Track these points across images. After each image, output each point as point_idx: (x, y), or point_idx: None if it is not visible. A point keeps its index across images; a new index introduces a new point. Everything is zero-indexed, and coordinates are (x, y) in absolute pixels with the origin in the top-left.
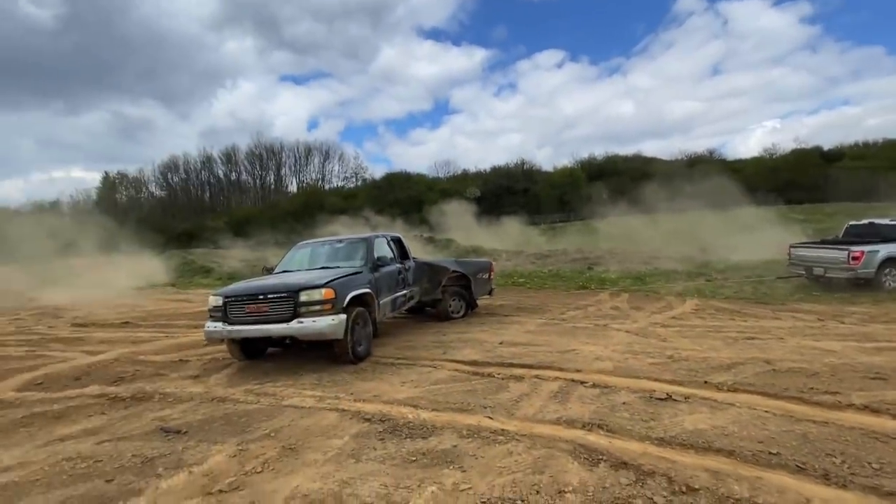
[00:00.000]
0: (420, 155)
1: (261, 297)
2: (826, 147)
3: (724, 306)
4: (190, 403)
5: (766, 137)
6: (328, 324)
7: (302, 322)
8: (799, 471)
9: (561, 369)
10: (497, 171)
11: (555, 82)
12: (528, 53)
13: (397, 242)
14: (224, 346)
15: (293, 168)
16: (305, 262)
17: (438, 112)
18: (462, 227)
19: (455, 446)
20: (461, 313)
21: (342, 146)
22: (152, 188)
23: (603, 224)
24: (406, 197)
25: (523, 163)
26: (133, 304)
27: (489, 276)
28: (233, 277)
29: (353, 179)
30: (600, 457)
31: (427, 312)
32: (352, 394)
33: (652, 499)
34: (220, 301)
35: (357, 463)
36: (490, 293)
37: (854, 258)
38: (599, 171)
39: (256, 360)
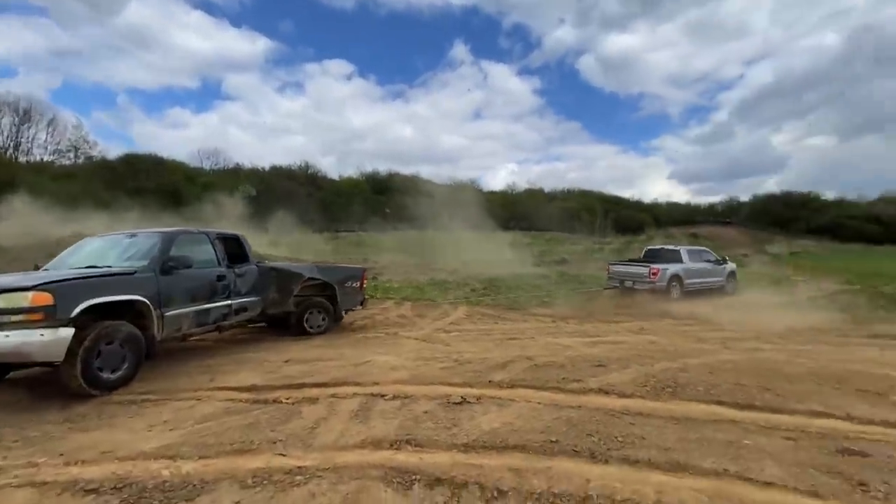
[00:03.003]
0: (179, 139)
1: None
2: (546, 189)
3: (487, 312)
4: None
5: (508, 177)
6: (33, 339)
7: None
8: (575, 454)
9: (358, 384)
10: (277, 171)
11: (343, 93)
12: (318, 57)
13: (232, 242)
14: None
15: None
16: (84, 260)
17: (207, 95)
18: (228, 229)
19: (238, 503)
20: (322, 328)
21: (55, 109)
22: None
23: (385, 236)
24: (155, 186)
25: (307, 166)
26: None
27: (360, 284)
28: None
29: (72, 155)
30: (414, 477)
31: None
32: (61, 454)
33: None
34: None
35: None
36: (362, 304)
37: (653, 273)
38: (382, 187)
39: None
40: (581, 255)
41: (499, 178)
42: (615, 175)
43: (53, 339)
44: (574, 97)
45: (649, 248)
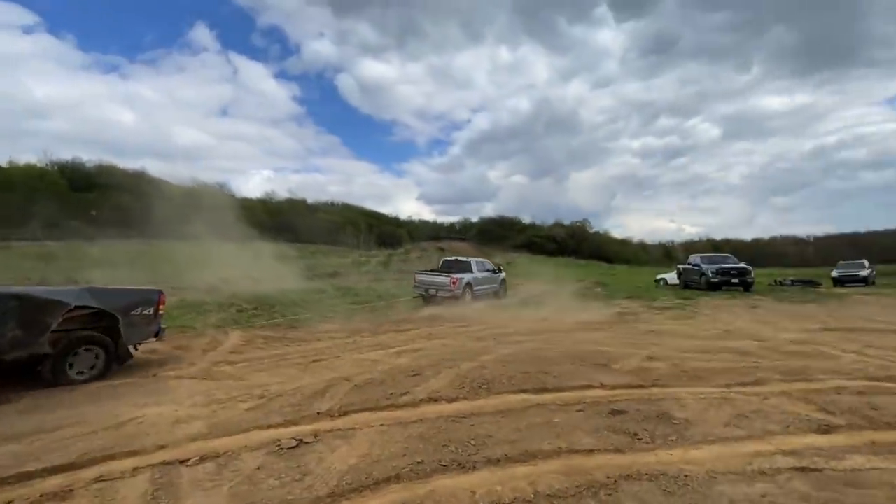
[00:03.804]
0: None
1: None
2: (308, 200)
3: (269, 334)
4: None
5: (263, 184)
6: None
7: None
8: (445, 469)
9: (134, 453)
10: None
11: (17, 49)
12: None
13: None
14: None
15: None
16: None
17: None
18: None
19: None
20: (92, 373)
21: None
22: None
23: (93, 247)
24: None
25: None
26: None
27: (155, 311)
28: None
29: None
30: None
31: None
32: None
33: None
34: None
35: None
36: (157, 336)
37: (453, 282)
38: (87, 182)
39: None
40: (350, 267)
41: (252, 184)
42: (373, 192)
43: None
44: (334, 112)
45: (445, 259)
